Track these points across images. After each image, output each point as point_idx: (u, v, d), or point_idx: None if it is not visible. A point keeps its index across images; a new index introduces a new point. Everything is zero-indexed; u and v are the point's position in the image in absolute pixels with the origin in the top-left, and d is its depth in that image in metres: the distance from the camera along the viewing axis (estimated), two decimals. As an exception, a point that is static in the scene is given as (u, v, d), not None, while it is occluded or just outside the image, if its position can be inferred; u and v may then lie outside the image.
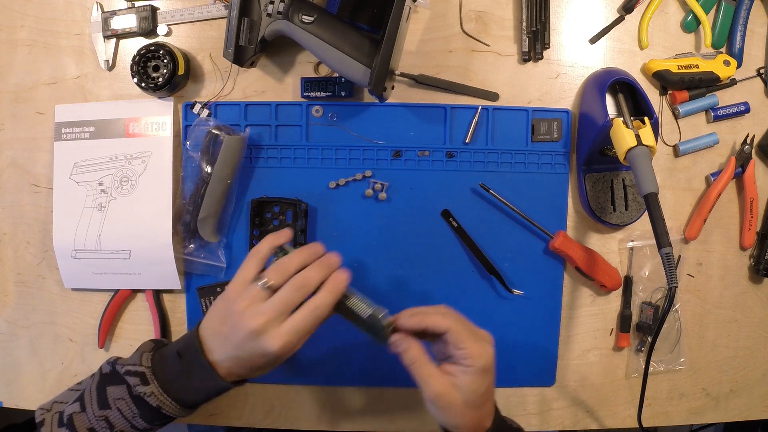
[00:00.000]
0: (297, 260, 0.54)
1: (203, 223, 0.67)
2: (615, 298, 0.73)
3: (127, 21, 0.68)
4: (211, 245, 0.69)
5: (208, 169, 0.67)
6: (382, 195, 0.70)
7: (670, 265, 0.56)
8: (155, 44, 0.66)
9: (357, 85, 0.69)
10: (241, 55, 0.63)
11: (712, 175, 0.72)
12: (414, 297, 0.71)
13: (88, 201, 0.69)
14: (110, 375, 0.55)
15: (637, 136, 0.61)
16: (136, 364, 0.54)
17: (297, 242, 0.69)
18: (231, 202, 0.69)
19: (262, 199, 0.69)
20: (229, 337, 0.52)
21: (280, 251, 0.56)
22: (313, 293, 0.53)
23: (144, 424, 0.53)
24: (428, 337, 0.56)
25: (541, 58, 0.70)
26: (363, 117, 0.70)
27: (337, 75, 0.69)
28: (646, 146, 0.60)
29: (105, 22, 0.68)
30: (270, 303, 0.52)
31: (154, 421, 0.54)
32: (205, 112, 0.69)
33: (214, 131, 0.67)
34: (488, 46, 0.70)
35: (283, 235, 0.57)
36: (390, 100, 0.69)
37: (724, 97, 0.72)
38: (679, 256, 0.73)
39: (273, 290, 0.53)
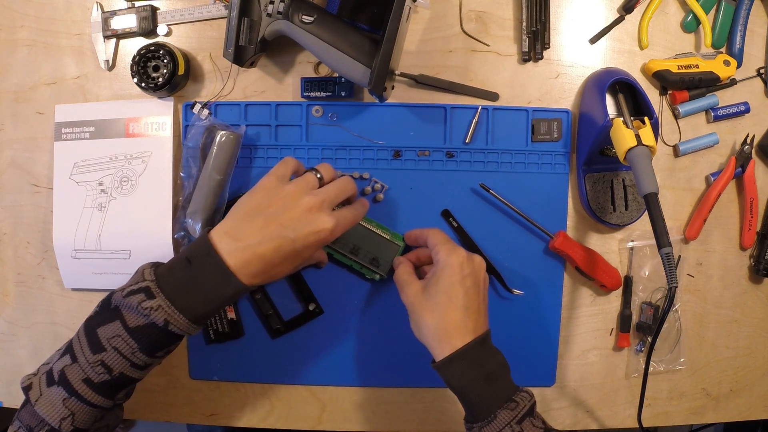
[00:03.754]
0: (335, 170, 0.61)
1: (191, 217, 0.67)
2: (615, 298, 0.73)
3: (127, 21, 0.68)
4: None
5: (204, 166, 0.67)
6: (380, 197, 0.70)
7: (670, 265, 0.56)
8: (155, 44, 0.66)
9: (357, 85, 0.69)
10: (241, 55, 0.63)
11: (712, 175, 0.72)
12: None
13: (88, 201, 0.69)
14: (98, 315, 0.51)
15: (637, 136, 0.61)
16: (138, 281, 0.51)
17: None
18: (224, 201, 0.68)
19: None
20: (277, 215, 0.53)
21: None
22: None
23: (145, 358, 0.50)
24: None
25: (541, 58, 0.70)
26: (363, 117, 0.70)
27: (337, 75, 0.69)
28: (646, 146, 0.60)
29: (105, 22, 0.68)
30: (326, 189, 0.56)
31: (155, 351, 0.51)
32: (205, 112, 0.69)
33: (211, 129, 0.67)
34: (488, 46, 0.70)
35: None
36: (390, 100, 0.69)
37: (724, 97, 0.72)
38: (679, 256, 0.73)
39: (322, 183, 0.58)
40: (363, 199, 0.63)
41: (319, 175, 0.58)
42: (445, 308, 0.56)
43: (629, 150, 0.60)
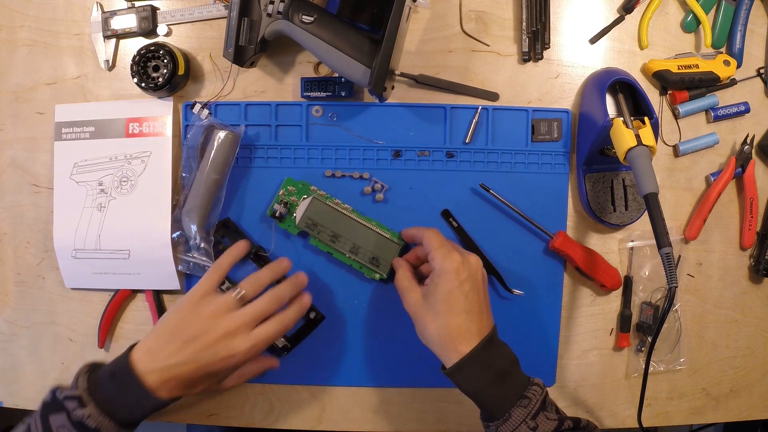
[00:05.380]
0: (268, 276, 0.60)
1: (187, 215, 0.67)
2: (615, 298, 0.73)
3: (127, 21, 0.68)
4: (200, 243, 0.68)
5: (202, 165, 0.67)
6: (380, 196, 0.70)
7: (670, 265, 0.56)
8: (155, 44, 0.66)
9: (357, 85, 0.69)
10: (241, 55, 0.63)
11: (712, 175, 0.72)
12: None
13: (88, 201, 0.69)
14: (51, 403, 0.55)
15: (637, 136, 0.61)
16: (73, 388, 0.55)
17: (258, 254, 0.69)
18: (220, 201, 0.68)
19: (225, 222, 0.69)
20: (195, 339, 0.55)
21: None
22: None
23: None
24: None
25: (541, 58, 0.70)
26: (363, 117, 0.70)
27: (337, 75, 0.69)
28: (646, 146, 0.60)
29: (105, 22, 0.68)
30: (245, 311, 0.57)
31: None
32: (205, 112, 0.69)
33: (209, 128, 0.67)
34: (488, 46, 0.70)
35: (241, 248, 0.63)
36: (390, 100, 0.69)
37: (724, 97, 0.72)
38: (679, 256, 0.73)
39: (245, 301, 0.58)
40: (298, 305, 0.61)
41: (240, 294, 0.58)
42: (447, 316, 0.57)
43: (629, 150, 0.60)
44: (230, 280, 0.68)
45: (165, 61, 0.66)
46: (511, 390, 0.56)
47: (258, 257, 0.69)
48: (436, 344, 0.58)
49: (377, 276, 0.68)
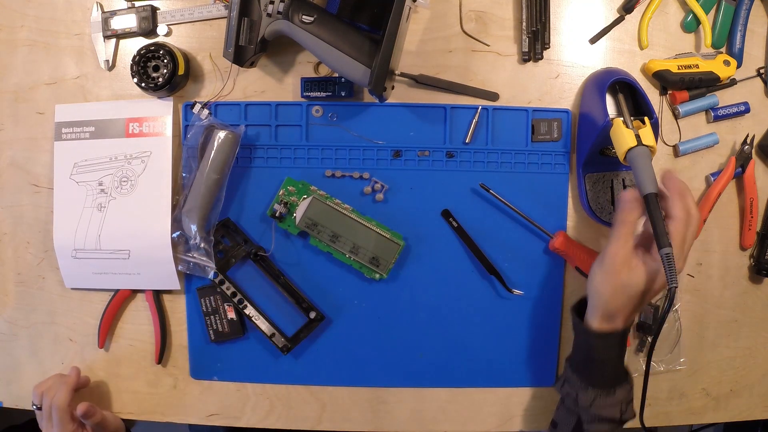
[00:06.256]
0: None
1: (187, 215, 0.67)
2: (615, 298, 0.73)
3: (127, 21, 0.68)
4: (200, 243, 0.68)
5: (202, 165, 0.67)
6: (380, 196, 0.70)
7: (670, 265, 0.56)
8: (155, 44, 0.66)
9: (357, 85, 0.69)
10: (241, 55, 0.63)
11: (712, 175, 0.72)
12: (414, 297, 0.71)
13: (88, 201, 0.69)
14: None
15: (637, 136, 0.60)
16: None
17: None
18: (220, 201, 0.68)
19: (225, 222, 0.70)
20: None
21: None
22: None
23: None
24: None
25: (541, 58, 0.70)
26: (363, 117, 0.70)
27: (337, 75, 0.69)
28: (646, 146, 0.60)
29: (105, 22, 0.68)
30: None
31: None
32: (205, 112, 0.69)
33: (209, 128, 0.67)
34: (488, 46, 0.70)
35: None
36: (390, 100, 0.69)
37: (724, 97, 0.72)
38: (679, 256, 0.72)
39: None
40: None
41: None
42: (624, 299, 0.57)
43: (629, 150, 0.60)
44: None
45: (165, 61, 0.66)
46: (623, 373, 0.62)
47: (258, 257, 0.69)
48: (603, 301, 0.58)
49: (377, 276, 0.68)
